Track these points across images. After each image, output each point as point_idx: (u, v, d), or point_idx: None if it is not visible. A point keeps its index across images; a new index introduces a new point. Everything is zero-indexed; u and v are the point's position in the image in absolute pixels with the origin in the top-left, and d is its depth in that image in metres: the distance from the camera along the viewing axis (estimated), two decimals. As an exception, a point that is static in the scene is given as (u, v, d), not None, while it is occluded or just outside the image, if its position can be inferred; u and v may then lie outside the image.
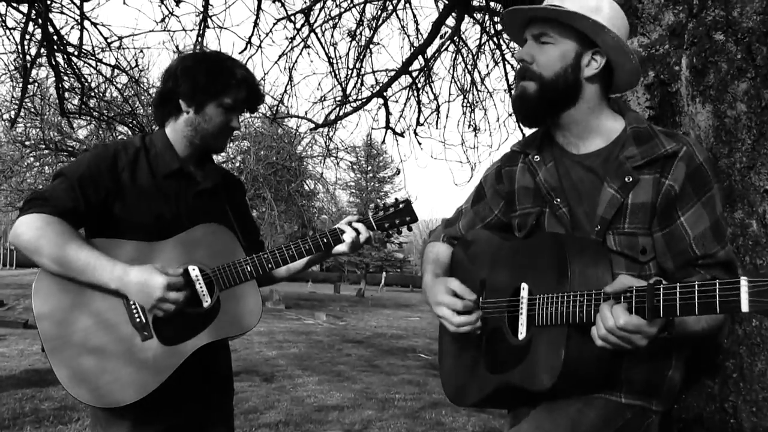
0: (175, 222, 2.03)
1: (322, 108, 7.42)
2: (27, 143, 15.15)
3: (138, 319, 1.90)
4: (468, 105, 7.52)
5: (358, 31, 6.70)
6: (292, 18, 6.05)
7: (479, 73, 7.43)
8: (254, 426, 5.82)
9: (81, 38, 5.45)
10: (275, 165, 18.21)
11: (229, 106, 2.05)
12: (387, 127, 7.29)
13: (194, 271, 1.98)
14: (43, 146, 14.97)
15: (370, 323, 18.79)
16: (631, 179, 1.58)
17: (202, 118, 2.05)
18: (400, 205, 2.22)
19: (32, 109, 11.98)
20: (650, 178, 1.57)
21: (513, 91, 1.73)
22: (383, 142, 7.58)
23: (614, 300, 1.36)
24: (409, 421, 6.45)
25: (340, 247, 2.13)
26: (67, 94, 6.68)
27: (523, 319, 1.60)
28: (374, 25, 6.66)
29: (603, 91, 1.70)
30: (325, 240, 2.12)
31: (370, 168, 45.55)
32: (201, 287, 1.97)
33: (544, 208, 1.73)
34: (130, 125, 10.57)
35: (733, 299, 1.13)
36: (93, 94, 6.71)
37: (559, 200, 1.69)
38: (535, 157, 1.77)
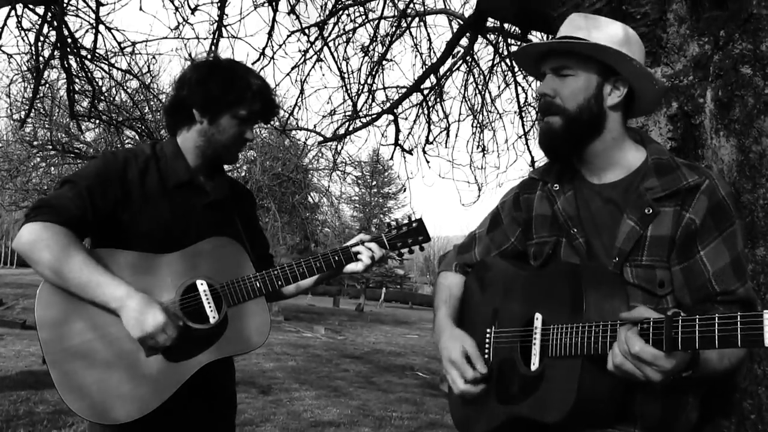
0: (183, 234, 1.99)
1: (332, 122, 7.41)
2: (34, 143, 15.17)
3: None
4: (478, 125, 7.51)
5: (371, 47, 6.71)
6: (306, 31, 6.06)
7: (490, 94, 7.44)
8: (249, 439, 5.76)
9: (95, 42, 5.46)
10: (281, 176, 18.23)
11: (244, 117, 2.02)
12: (396, 143, 7.28)
13: (202, 286, 1.94)
14: (51, 147, 14.98)
15: (368, 339, 18.69)
16: (651, 211, 1.55)
17: (216, 129, 2.02)
18: (413, 224, 2.18)
19: (42, 110, 12.01)
20: (671, 211, 1.54)
21: (538, 128, 1.71)
22: (391, 158, 7.57)
23: (632, 325, 1.32)
24: (406, 440, 6.38)
25: (354, 267, 2.10)
26: (77, 97, 6.68)
27: (536, 350, 1.57)
28: (387, 42, 6.67)
29: (624, 119, 1.68)
30: (336, 258, 2.09)
31: (374, 183, 45.56)
32: (209, 303, 1.93)
33: (561, 238, 1.70)
34: (138, 130, 10.59)
35: (755, 333, 1.10)
36: (103, 97, 6.71)
37: (576, 230, 1.66)
38: (554, 185, 1.75)
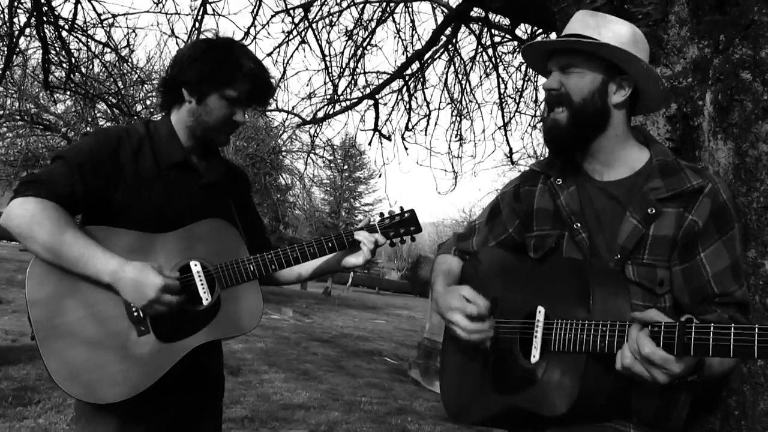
0: (176, 215, 1.96)
1: (310, 105, 7.36)
2: (1, 113, 14.74)
3: (135, 314, 1.83)
4: (457, 114, 7.54)
5: (355, 31, 6.67)
6: (291, 12, 5.99)
7: (469, 83, 7.46)
8: (220, 420, 5.73)
9: (75, 12, 5.30)
10: (254, 157, 18.06)
11: (233, 98, 1.96)
12: (375, 129, 7.27)
13: (196, 267, 1.92)
14: (18, 117, 14.57)
15: (336, 323, 18.70)
16: (654, 211, 1.58)
17: (204, 110, 1.97)
18: (406, 215, 2.19)
19: (11, 79, 11.67)
20: (674, 212, 1.57)
21: (543, 124, 1.72)
22: (370, 143, 7.55)
23: (642, 326, 1.35)
24: (375, 425, 6.42)
25: (355, 260, 2.10)
26: (51, 68, 6.50)
27: (537, 343, 1.59)
28: (371, 27, 6.64)
29: (628, 118, 1.70)
30: (330, 244, 2.08)
31: (346, 167, 45.39)
32: (202, 284, 1.92)
33: (563, 232, 1.72)
34: (109, 103, 10.35)
35: None
36: (79, 69, 6.54)
37: (579, 225, 1.68)
38: (557, 179, 1.76)
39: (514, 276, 1.77)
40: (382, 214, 2.19)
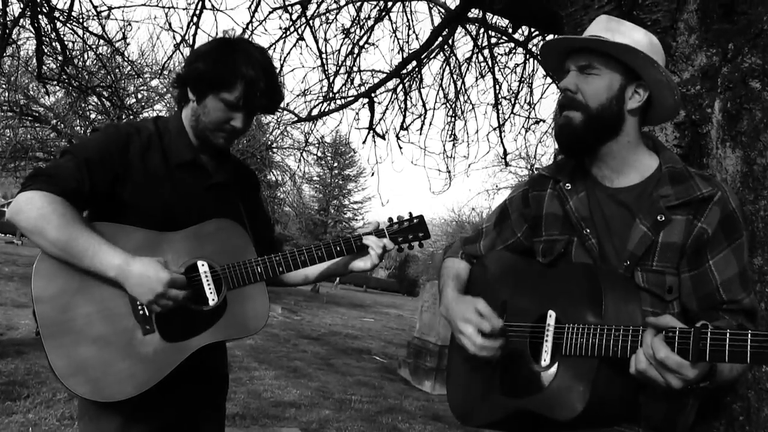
0: (184, 214, 1.95)
1: (305, 102, 7.33)
2: (-11, 104, 14.58)
3: (141, 312, 1.82)
4: (452, 114, 7.54)
5: (352, 30, 6.65)
6: (289, 9, 5.97)
7: (464, 84, 7.47)
8: (211, 418, 5.71)
9: (72, 3, 5.25)
10: (245, 153, 17.98)
11: (230, 102, 1.92)
12: (370, 128, 7.25)
13: (203, 267, 1.91)
14: (7, 108, 14.40)
15: (324, 320, 18.68)
16: (663, 218, 1.59)
17: (202, 110, 1.95)
18: (414, 220, 2.17)
19: (0, 70, 11.54)
20: (683, 220, 1.59)
21: (555, 121, 1.72)
22: (364, 142, 7.52)
23: (656, 331, 1.35)
24: (366, 424, 6.42)
25: (363, 264, 2.09)
26: (44, 59, 6.43)
27: (547, 347, 1.59)
28: (368, 26, 6.62)
29: (640, 125, 1.71)
30: (338, 248, 2.07)
31: (336, 164, 45.34)
32: (209, 284, 1.91)
33: (572, 237, 1.73)
34: (103, 97, 10.27)
35: None
36: (75, 62, 6.48)
37: (588, 231, 1.69)
38: (567, 185, 1.77)
39: (523, 279, 1.78)
40: (390, 219, 2.18)
